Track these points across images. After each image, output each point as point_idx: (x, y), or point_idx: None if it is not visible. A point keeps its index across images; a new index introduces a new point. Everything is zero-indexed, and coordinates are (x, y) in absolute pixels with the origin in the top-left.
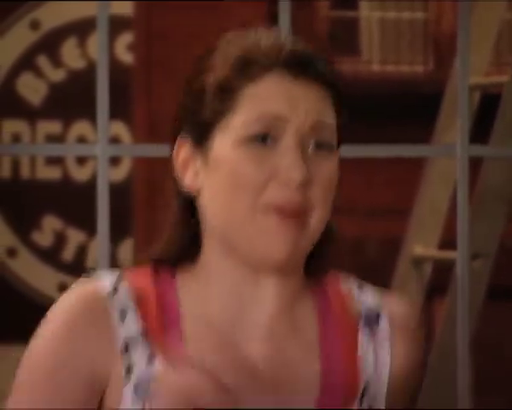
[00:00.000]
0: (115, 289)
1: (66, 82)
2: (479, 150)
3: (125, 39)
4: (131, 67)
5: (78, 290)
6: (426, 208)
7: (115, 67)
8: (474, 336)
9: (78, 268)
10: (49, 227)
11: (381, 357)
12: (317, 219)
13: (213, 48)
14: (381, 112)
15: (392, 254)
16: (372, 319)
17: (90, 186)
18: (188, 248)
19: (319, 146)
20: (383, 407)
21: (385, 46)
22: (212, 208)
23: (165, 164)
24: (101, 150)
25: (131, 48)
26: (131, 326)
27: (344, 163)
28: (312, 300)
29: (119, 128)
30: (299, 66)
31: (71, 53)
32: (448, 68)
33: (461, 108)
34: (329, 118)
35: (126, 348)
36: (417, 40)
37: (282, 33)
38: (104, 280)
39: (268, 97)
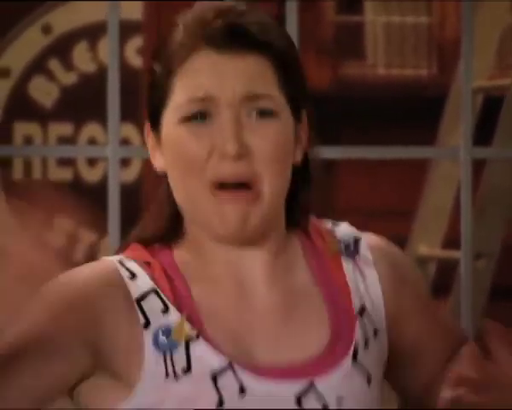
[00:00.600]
0: (121, 261)
1: (78, 85)
2: (482, 152)
3: (135, 43)
4: (141, 71)
5: (89, 264)
6: (430, 209)
7: (125, 70)
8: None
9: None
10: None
11: (369, 279)
12: (269, 188)
13: (168, 32)
14: (385, 115)
15: None
16: (352, 250)
17: (101, 187)
18: (173, 225)
19: (261, 115)
20: (383, 327)
21: (389, 50)
22: (173, 188)
23: None
24: (111, 152)
25: (141, 52)
26: (142, 284)
27: (350, 164)
28: (299, 244)
29: (129, 130)
30: (224, 40)
31: (82, 57)
32: (452, 72)
33: (464, 112)
34: (265, 86)
35: (139, 302)
36: (421, 44)
37: (224, 4)
38: (109, 258)
39: (195, 77)
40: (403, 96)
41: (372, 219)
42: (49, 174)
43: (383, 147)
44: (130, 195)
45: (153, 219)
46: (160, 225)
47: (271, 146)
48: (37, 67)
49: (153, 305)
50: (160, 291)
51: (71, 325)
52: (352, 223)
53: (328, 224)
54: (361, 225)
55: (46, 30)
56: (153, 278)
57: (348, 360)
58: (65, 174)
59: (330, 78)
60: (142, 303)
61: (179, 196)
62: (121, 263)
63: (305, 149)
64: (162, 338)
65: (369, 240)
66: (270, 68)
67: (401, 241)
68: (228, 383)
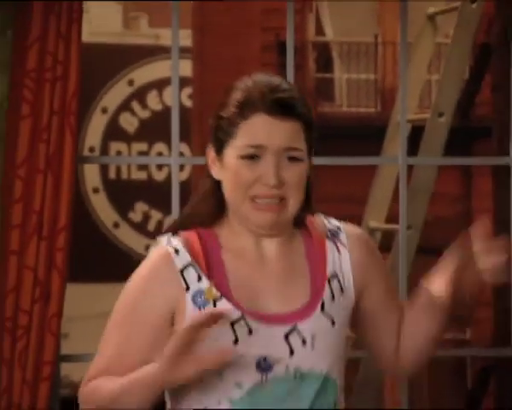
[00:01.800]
0: (169, 239)
1: (150, 118)
2: (412, 160)
3: (187, 91)
4: (191, 109)
5: (151, 250)
6: (377, 197)
7: (181, 109)
8: (408, 278)
9: (157, 235)
10: (139, 210)
11: (344, 257)
12: (292, 204)
13: (229, 88)
14: (348, 137)
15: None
16: (334, 234)
17: (166, 184)
18: (217, 212)
19: (291, 160)
20: (352, 291)
21: (350, 96)
22: (226, 193)
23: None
24: (173, 161)
25: (191, 97)
26: (183, 258)
27: (326, 169)
28: (300, 233)
29: (183, 148)
30: (276, 109)
31: (153, 100)
32: (390, 110)
33: (401, 134)
34: (299, 144)
35: (182, 272)
36: (370, 92)
37: (273, 79)
38: (164, 240)
39: (253, 132)
40: (359, 126)
41: (339, 205)
42: (132, 175)
43: (348, 157)
44: (184, 188)
45: (199, 207)
46: (207, 210)
47: (297, 180)
48: (124, 106)
49: (190, 274)
50: (194, 263)
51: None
52: (327, 207)
53: (321, 217)
54: (333, 209)
55: (130, 83)
56: (191, 253)
57: (318, 311)
58: (142, 175)
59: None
60: (184, 273)
61: (230, 198)
62: (168, 241)
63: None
64: (197, 298)
65: (347, 229)
66: (301, 130)
67: (358, 218)
68: (240, 327)
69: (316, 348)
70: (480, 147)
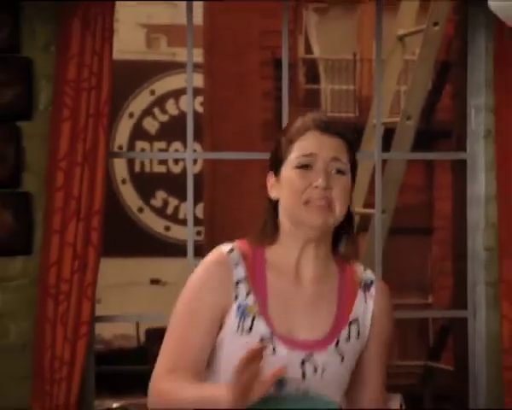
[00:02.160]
0: (231, 250)
1: (169, 122)
2: (386, 155)
3: (199, 100)
4: (202, 114)
5: (212, 254)
6: (357, 186)
7: (194, 114)
8: (382, 254)
9: (175, 219)
10: (159, 197)
11: (368, 307)
12: (338, 209)
13: (289, 124)
14: None
15: None
16: (367, 286)
17: (182, 175)
18: (271, 234)
19: (337, 172)
20: (366, 338)
21: (333, 103)
22: (283, 203)
23: (217, 163)
24: (188, 156)
25: (202, 104)
26: (240, 272)
27: None
28: (337, 269)
29: (196, 146)
30: (324, 127)
31: (171, 107)
32: (366, 115)
33: (377, 134)
34: (343, 157)
35: (237, 284)
36: (350, 100)
37: (318, 113)
38: (225, 247)
39: (307, 145)
40: None
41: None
42: (154, 169)
43: None
44: (196, 179)
45: (259, 228)
46: (262, 233)
47: (342, 188)
48: (147, 112)
49: (242, 288)
50: (247, 279)
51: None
52: None
53: (360, 266)
54: None
55: (152, 92)
56: (246, 268)
57: (333, 346)
58: (162, 168)
59: None
60: (238, 285)
61: (287, 206)
62: (230, 252)
63: (350, 203)
64: (241, 310)
65: (379, 285)
66: (345, 146)
67: None
68: (269, 343)
69: (324, 378)
70: (440, 145)
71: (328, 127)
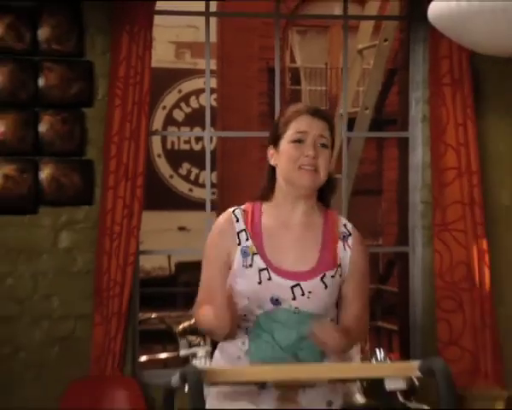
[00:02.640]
0: (234, 210)
1: (192, 113)
2: (350, 134)
3: (213, 96)
4: (216, 107)
5: (222, 215)
6: None
7: (210, 107)
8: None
9: (196, 183)
10: (185, 167)
11: (347, 253)
12: (322, 174)
13: (284, 109)
14: None
15: None
16: (346, 238)
17: (201, 151)
18: (269, 193)
19: (322, 145)
20: (344, 277)
21: (311, 99)
22: (281, 168)
23: (227, 141)
24: (206, 134)
25: (216, 100)
26: (240, 225)
27: None
28: (321, 216)
29: (211, 129)
30: (314, 112)
31: (193, 102)
32: (335, 108)
33: (344, 121)
34: (327, 135)
35: (238, 234)
36: (323, 97)
37: (307, 104)
38: (231, 209)
39: (301, 125)
40: None
41: None
42: (180, 146)
43: None
44: (212, 154)
45: (260, 189)
46: (263, 192)
47: (325, 158)
48: (176, 105)
49: (243, 235)
50: (246, 229)
51: (221, 247)
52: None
53: (342, 219)
54: None
55: (179, 91)
56: (245, 221)
57: (318, 278)
58: (186, 146)
59: None
60: (239, 234)
61: (283, 170)
62: (234, 211)
63: (331, 169)
64: (243, 251)
65: (354, 235)
66: (328, 127)
67: None
68: (264, 275)
69: (310, 299)
70: (388, 129)
71: (316, 113)
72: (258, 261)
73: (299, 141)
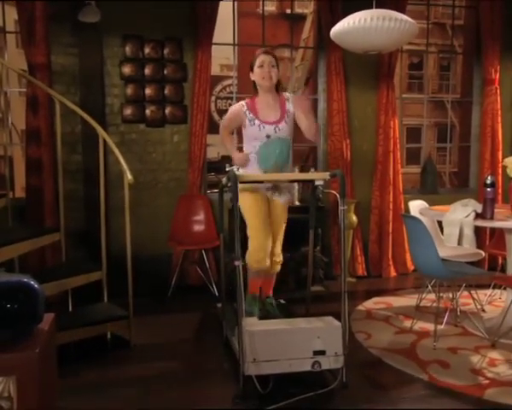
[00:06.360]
0: (242, 101)
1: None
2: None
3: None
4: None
5: (237, 104)
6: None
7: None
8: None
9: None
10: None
11: (291, 105)
12: (274, 79)
13: (255, 54)
14: None
15: None
16: (288, 99)
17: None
18: (255, 90)
19: (272, 66)
20: (293, 115)
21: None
22: (256, 79)
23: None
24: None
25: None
26: (245, 107)
27: None
28: (279, 98)
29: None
30: (267, 53)
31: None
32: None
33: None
34: (274, 62)
35: (245, 111)
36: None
37: (268, 49)
38: (242, 101)
39: (261, 59)
40: None
41: None
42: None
43: None
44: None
45: (252, 91)
46: (253, 92)
47: (275, 72)
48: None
49: (247, 111)
50: (250, 109)
51: (236, 115)
52: None
53: (287, 94)
54: None
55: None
56: (247, 105)
57: (283, 121)
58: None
59: None
60: (245, 111)
61: (257, 81)
62: (242, 101)
63: (279, 77)
64: (248, 118)
65: (291, 96)
66: (275, 58)
67: None
68: (261, 126)
69: (281, 130)
70: None
71: (269, 52)
72: (257, 121)
73: (261, 66)
